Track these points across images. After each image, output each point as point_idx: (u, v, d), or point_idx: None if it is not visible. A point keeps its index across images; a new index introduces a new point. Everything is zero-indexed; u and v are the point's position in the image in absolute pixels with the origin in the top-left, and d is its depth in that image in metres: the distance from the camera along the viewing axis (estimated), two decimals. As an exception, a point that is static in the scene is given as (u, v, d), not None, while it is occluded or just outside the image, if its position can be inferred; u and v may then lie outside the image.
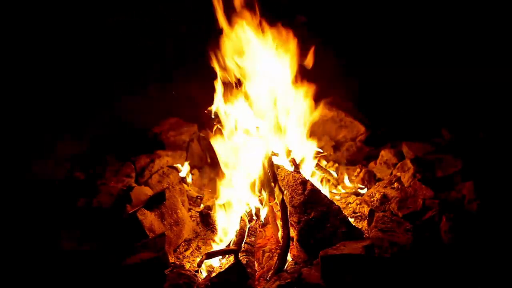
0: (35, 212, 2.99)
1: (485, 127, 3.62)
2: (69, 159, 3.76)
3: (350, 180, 3.42)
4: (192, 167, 3.76)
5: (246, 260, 2.35)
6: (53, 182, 3.44)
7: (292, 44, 2.98)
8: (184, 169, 3.55)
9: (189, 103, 4.00)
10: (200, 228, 2.96)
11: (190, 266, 2.52)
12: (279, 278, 2.13)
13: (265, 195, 2.74)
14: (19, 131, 3.90)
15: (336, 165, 3.65)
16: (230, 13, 2.91)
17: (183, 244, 2.78)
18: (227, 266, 2.24)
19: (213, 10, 2.93)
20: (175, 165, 3.58)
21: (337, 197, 3.18)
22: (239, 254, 2.38)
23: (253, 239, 2.57)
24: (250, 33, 2.92)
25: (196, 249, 2.75)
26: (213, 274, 2.27)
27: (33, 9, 4.28)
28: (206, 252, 2.43)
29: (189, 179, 3.54)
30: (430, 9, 4.50)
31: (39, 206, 3.06)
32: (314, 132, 4.12)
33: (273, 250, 2.57)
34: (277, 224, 2.64)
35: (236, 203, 2.84)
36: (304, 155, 3.07)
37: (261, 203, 2.76)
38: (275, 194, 2.59)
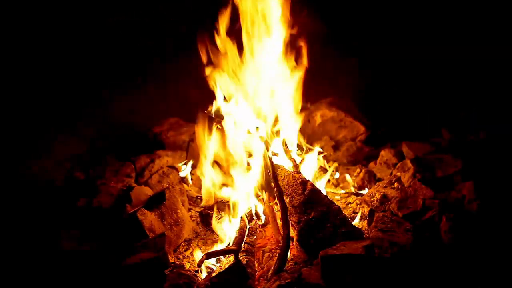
0: (35, 212, 3.00)
1: (485, 127, 3.63)
2: (69, 159, 3.76)
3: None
4: (192, 167, 3.76)
5: (246, 260, 2.35)
6: (53, 182, 3.44)
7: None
8: (187, 169, 3.55)
9: (189, 103, 4.01)
10: (200, 228, 2.96)
11: (190, 266, 2.52)
12: (279, 278, 2.13)
13: (265, 195, 2.74)
14: (19, 131, 3.90)
15: (336, 165, 3.65)
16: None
17: (183, 244, 2.78)
18: (227, 266, 2.24)
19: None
20: (176, 165, 3.58)
21: (337, 197, 3.18)
22: (239, 254, 2.38)
23: (253, 239, 2.57)
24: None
25: (196, 249, 2.74)
26: (213, 274, 2.27)
27: (33, 9, 4.28)
28: (206, 252, 2.43)
29: (189, 179, 3.54)
30: (430, 9, 4.50)
31: (39, 206, 3.06)
32: (314, 132, 4.14)
33: (273, 250, 2.57)
34: (277, 224, 2.64)
35: (237, 203, 2.84)
36: (304, 156, 3.08)
37: (261, 203, 2.76)
38: (275, 194, 2.59)
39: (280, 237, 2.53)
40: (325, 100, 4.27)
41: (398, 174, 3.18)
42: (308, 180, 2.56)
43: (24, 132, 3.90)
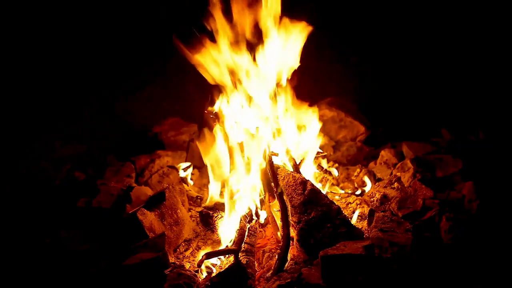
0: (35, 212, 3.00)
1: (485, 127, 3.63)
2: (69, 159, 3.76)
3: (350, 181, 3.41)
4: (192, 167, 3.76)
5: (246, 260, 2.35)
6: (53, 182, 3.44)
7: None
8: (188, 170, 3.55)
9: (189, 103, 4.01)
10: (200, 228, 2.96)
11: (190, 266, 2.52)
12: (279, 278, 2.13)
13: (265, 195, 2.74)
14: (19, 131, 3.90)
15: (336, 165, 3.65)
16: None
17: (183, 244, 2.78)
18: (227, 266, 2.24)
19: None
20: (176, 166, 3.58)
21: (337, 197, 3.18)
22: (239, 254, 2.38)
23: (253, 239, 2.57)
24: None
25: (196, 249, 2.75)
26: (213, 274, 2.27)
27: (33, 9, 4.29)
28: (206, 252, 2.43)
29: (189, 179, 3.54)
30: (431, 9, 4.51)
31: (39, 206, 3.07)
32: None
33: (273, 250, 2.57)
34: (277, 224, 2.64)
35: (237, 203, 2.84)
36: (304, 155, 3.07)
37: (261, 203, 2.76)
38: (275, 194, 2.59)
39: (280, 237, 2.53)
40: (325, 100, 4.27)
41: (398, 174, 3.18)
42: (308, 180, 2.56)
43: (24, 132, 3.90)
